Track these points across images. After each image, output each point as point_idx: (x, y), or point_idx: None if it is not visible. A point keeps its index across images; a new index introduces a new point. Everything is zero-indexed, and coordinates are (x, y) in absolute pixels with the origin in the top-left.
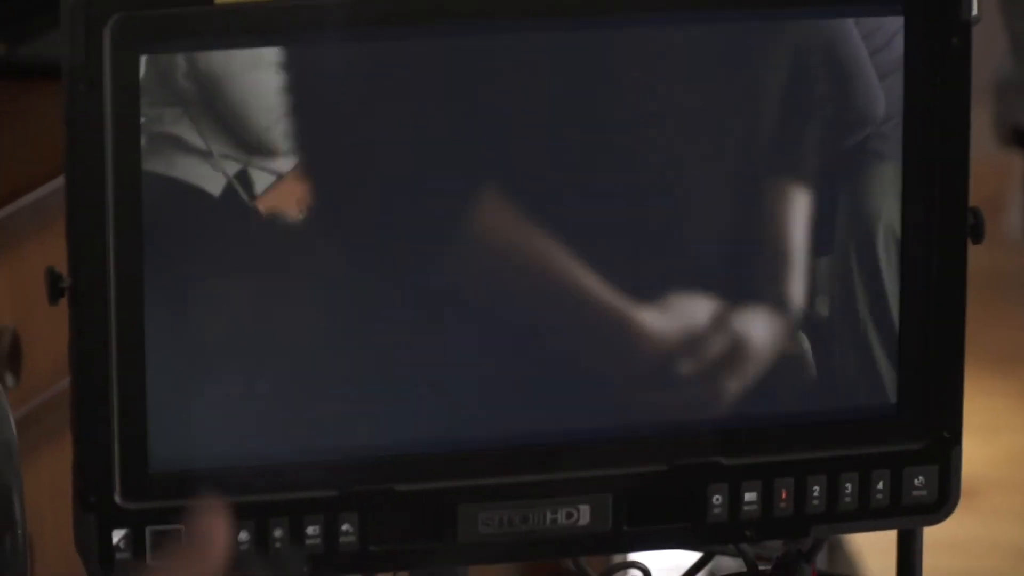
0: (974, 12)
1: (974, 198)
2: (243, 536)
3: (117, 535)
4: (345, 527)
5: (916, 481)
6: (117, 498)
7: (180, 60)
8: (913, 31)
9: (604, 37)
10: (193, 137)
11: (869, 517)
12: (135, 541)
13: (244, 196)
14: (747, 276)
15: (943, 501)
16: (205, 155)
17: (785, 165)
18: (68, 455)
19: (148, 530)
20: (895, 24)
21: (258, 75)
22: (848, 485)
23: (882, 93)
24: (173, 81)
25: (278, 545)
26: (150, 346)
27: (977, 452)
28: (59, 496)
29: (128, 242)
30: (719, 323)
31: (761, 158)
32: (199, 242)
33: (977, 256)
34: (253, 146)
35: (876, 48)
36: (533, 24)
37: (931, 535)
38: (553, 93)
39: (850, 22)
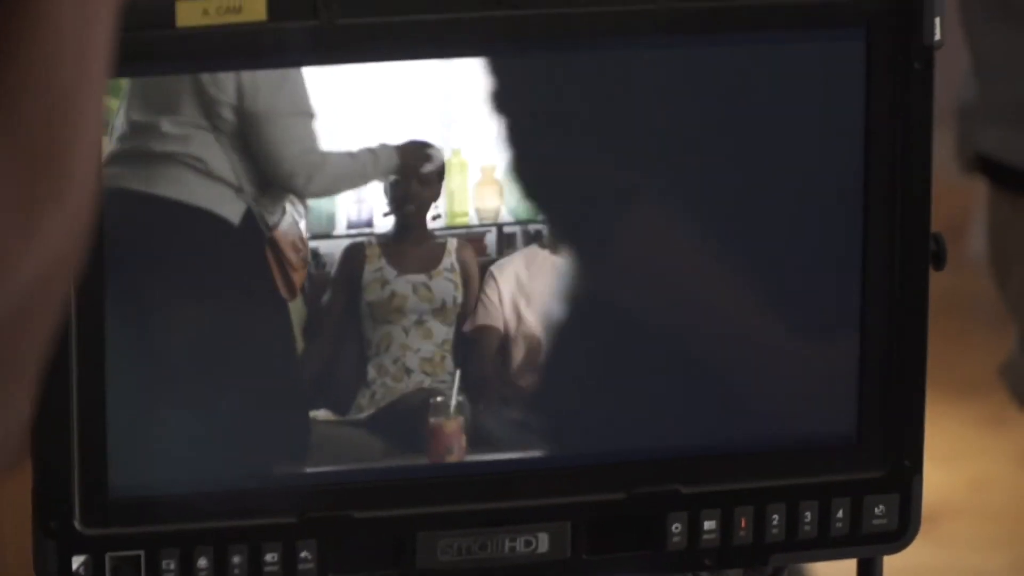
0: (937, 37)
1: (936, 223)
2: (202, 563)
3: (77, 561)
4: (304, 554)
5: (876, 510)
6: (77, 524)
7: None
8: (875, 56)
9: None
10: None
11: (829, 546)
12: (95, 567)
13: (261, 226)
14: (707, 305)
15: (903, 530)
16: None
17: (744, 194)
18: (29, 480)
19: (108, 556)
20: (855, 49)
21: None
22: (808, 514)
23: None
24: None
25: (236, 572)
26: (110, 372)
27: (939, 479)
28: (21, 522)
29: (89, 268)
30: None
31: (720, 186)
32: (161, 269)
33: (940, 281)
34: (273, 183)
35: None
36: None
37: (891, 563)
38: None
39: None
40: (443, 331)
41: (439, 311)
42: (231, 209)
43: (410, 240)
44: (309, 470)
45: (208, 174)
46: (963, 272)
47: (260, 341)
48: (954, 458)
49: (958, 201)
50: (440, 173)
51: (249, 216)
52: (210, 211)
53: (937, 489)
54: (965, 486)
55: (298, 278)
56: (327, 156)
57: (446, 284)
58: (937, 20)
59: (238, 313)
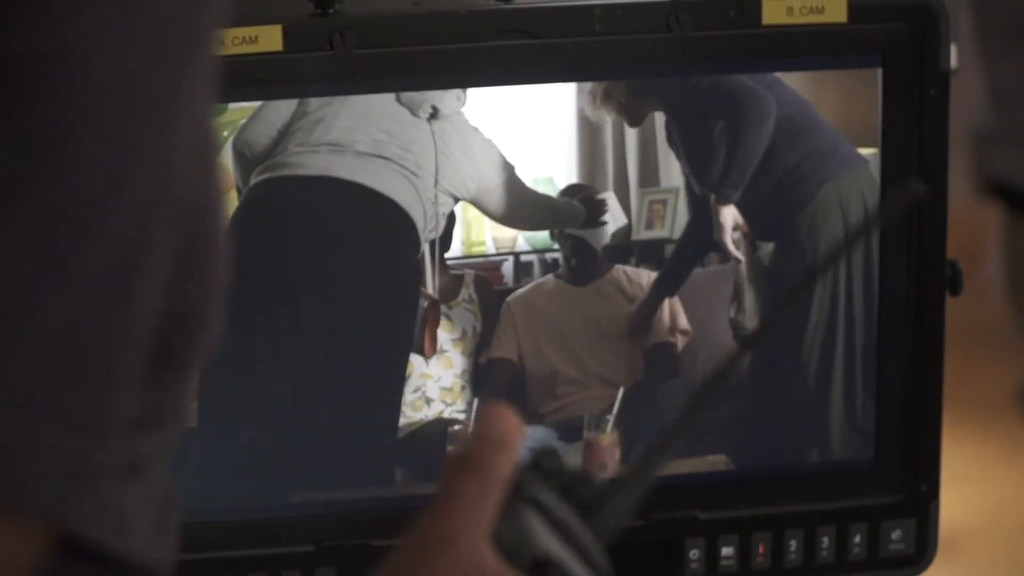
0: (953, 64)
1: (952, 249)
2: None
3: None
4: None
5: (893, 535)
6: None
7: None
8: (892, 82)
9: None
10: None
11: (847, 571)
12: None
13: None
14: (724, 332)
15: (921, 554)
16: None
17: (762, 220)
18: None
19: None
20: (873, 76)
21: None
22: (825, 539)
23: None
24: None
25: None
26: None
27: (956, 504)
28: None
29: None
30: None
31: (740, 207)
32: None
33: (956, 308)
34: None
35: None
36: None
37: None
38: None
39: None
40: (463, 361)
41: (459, 340)
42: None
43: (432, 268)
44: (327, 498)
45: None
46: (979, 298)
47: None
48: (973, 483)
49: (974, 227)
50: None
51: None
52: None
53: (955, 514)
54: (983, 511)
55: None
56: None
57: (466, 314)
58: (953, 47)
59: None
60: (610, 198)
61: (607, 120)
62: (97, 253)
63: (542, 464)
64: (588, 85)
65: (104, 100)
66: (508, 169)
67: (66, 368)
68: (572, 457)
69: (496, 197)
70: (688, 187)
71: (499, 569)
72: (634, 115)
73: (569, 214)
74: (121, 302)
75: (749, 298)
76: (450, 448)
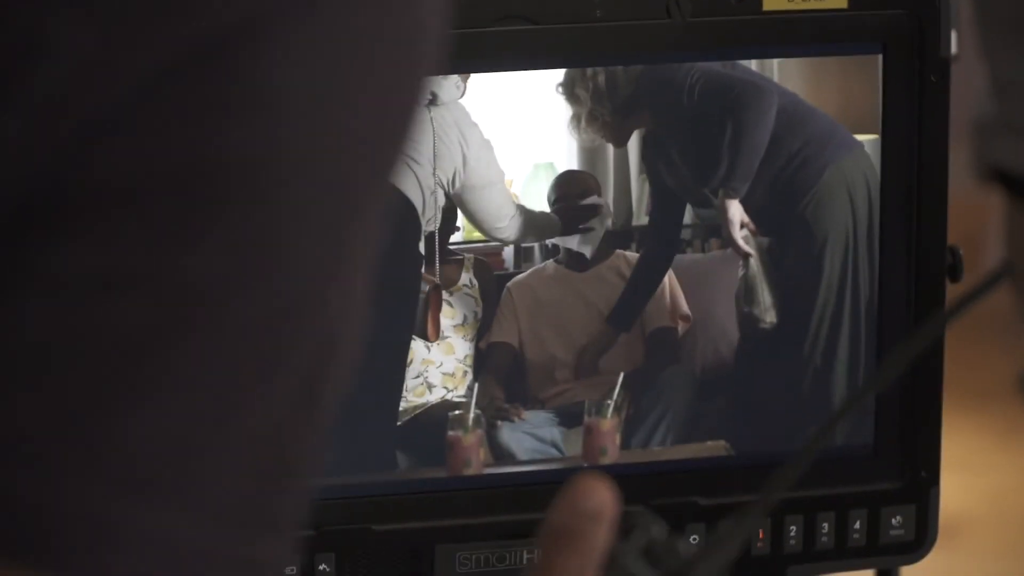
0: (953, 50)
1: (953, 236)
2: None
3: None
4: (322, 567)
5: (893, 521)
6: None
7: None
8: (892, 69)
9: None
10: None
11: (846, 557)
12: None
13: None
14: (726, 318)
15: (921, 540)
16: None
17: (768, 210)
18: None
19: None
20: (873, 62)
21: None
22: (825, 525)
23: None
24: None
25: None
26: None
27: (956, 490)
28: None
29: None
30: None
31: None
32: None
33: (957, 293)
34: None
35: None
36: None
37: (909, 574)
38: None
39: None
40: (464, 346)
41: (460, 326)
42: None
43: (427, 256)
44: (328, 483)
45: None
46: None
47: None
48: (972, 469)
49: (975, 213)
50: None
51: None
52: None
53: (955, 500)
54: (983, 497)
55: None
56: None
57: (467, 299)
58: (953, 34)
59: None
60: (598, 200)
61: (595, 143)
62: (300, 358)
63: (631, 533)
64: (571, 110)
65: (314, 201)
66: (498, 174)
67: (259, 473)
68: (573, 446)
69: (479, 198)
70: (656, 185)
71: None
72: (619, 135)
73: (547, 227)
74: (310, 403)
75: (761, 291)
76: (450, 432)
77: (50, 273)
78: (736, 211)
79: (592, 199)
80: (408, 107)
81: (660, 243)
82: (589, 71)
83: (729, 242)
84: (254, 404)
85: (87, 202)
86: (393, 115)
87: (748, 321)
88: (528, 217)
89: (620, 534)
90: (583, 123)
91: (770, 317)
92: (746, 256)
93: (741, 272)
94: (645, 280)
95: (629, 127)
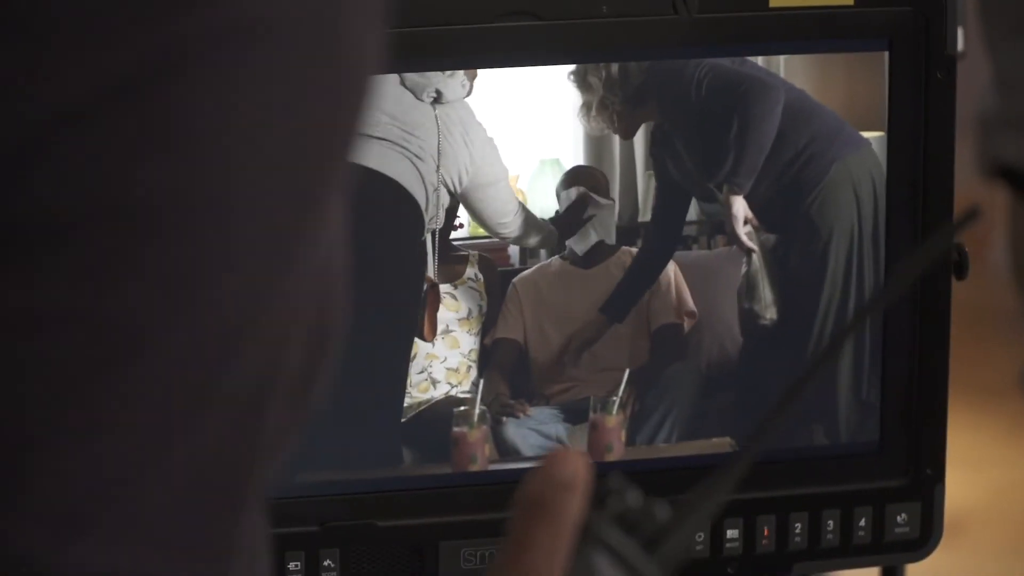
0: (959, 47)
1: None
2: None
3: None
4: (327, 562)
5: (899, 518)
6: None
7: None
8: (898, 65)
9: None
10: None
11: (852, 554)
12: None
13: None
14: (731, 315)
15: (926, 538)
16: None
17: (772, 206)
18: None
19: None
20: (879, 59)
21: None
22: (830, 522)
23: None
24: None
25: None
26: None
27: (961, 487)
28: None
29: None
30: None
31: (750, 192)
32: None
33: (962, 291)
34: None
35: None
36: None
37: (914, 572)
38: None
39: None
40: (469, 340)
41: (465, 320)
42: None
43: (432, 252)
44: (332, 479)
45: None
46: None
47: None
48: (977, 466)
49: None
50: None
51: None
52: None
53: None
54: (988, 494)
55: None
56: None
57: (471, 292)
58: (960, 30)
59: None
60: (598, 207)
61: (603, 134)
62: (234, 385)
63: (606, 501)
64: (581, 99)
65: (237, 232)
66: (502, 173)
67: (198, 502)
68: (578, 440)
69: (484, 196)
70: (661, 179)
71: None
72: (628, 126)
73: (546, 238)
74: (253, 426)
75: (764, 288)
76: (455, 429)
77: None
78: (740, 207)
79: (594, 209)
80: (342, 134)
81: (661, 237)
82: None
83: (733, 238)
84: (191, 433)
85: (6, 240)
86: (324, 145)
87: (749, 317)
88: (530, 222)
89: (596, 502)
90: (593, 111)
91: (771, 314)
92: (749, 252)
93: (743, 269)
94: (643, 273)
95: (638, 118)
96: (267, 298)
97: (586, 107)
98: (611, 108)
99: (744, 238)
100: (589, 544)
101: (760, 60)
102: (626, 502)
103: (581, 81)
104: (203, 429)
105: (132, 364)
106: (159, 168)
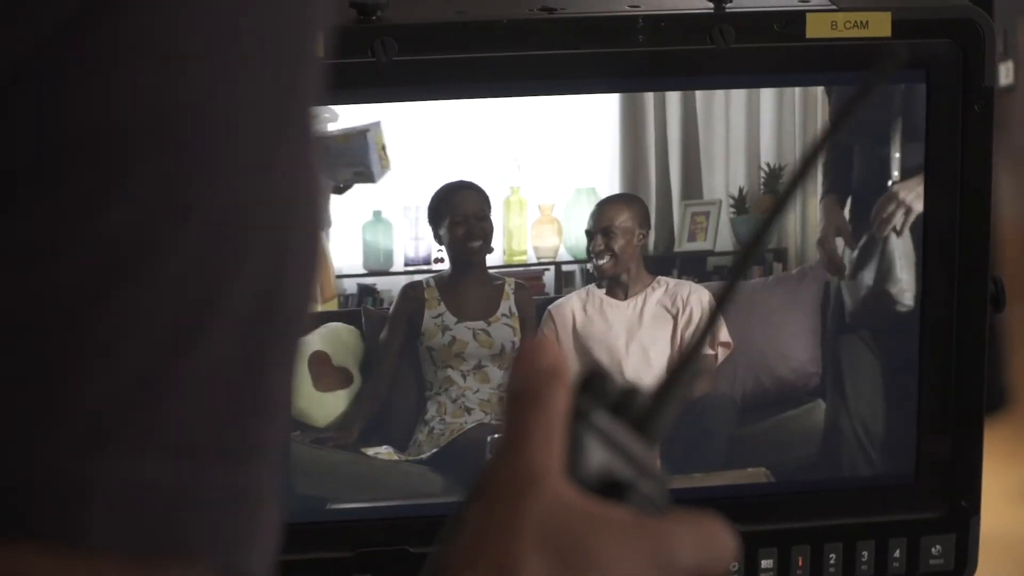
0: (1010, 80)
1: (1008, 263)
2: None
3: None
4: None
5: (933, 550)
6: None
7: None
8: (936, 97)
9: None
10: None
11: None
12: None
13: None
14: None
15: (961, 570)
16: None
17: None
18: None
19: None
20: (918, 91)
21: None
22: (865, 553)
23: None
24: None
25: None
26: None
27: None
28: None
29: None
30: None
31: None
32: None
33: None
34: None
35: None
36: None
37: None
38: None
39: None
40: (500, 375)
41: (497, 356)
42: None
43: (468, 281)
44: (365, 505)
45: None
46: None
47: None
48: None
49: None
50: (489, 209)
51: None
52: None
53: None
54: None
55: None
56: None
57: (505, 330)
58: (1010, 64)
59: None
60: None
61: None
62: (241, 291)
63: (591, 385)
64: None
65: (224, 139)
66: None
67: (220, 404)
68: None
69: None
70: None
71: (581, 501)
72: None
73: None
74: (263, 332)
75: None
76: (490, 457)
77: None
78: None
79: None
80: (315, 22)
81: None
82: None
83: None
84: (202, 341)
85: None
86: (300, 35)
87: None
88: None
89: (579, 390)
90: None
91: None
92: (841, 269)
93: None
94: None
95: None
96: (264, 200)
97: None
98: None
99: (838, 252)
100: (581, 430)
101: (798, 91)
102: (609, 384)
103: None
104: (214, 337)
105: (139, 278)
106: (143, 82)
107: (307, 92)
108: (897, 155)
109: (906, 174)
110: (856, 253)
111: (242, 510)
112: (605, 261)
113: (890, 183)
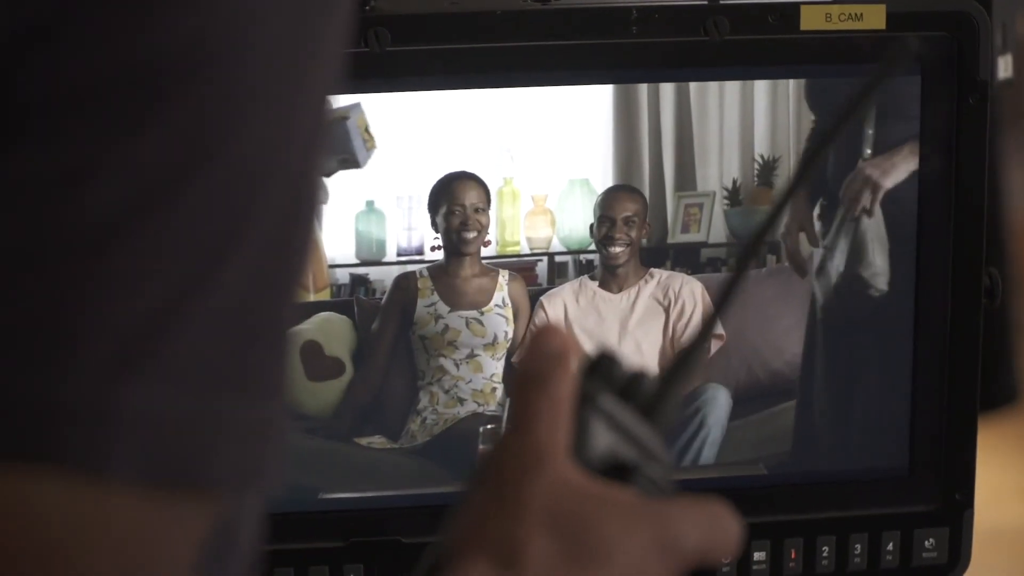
0: (1009, 73)
1: (1020, 258)
2: None
3: None
4: None
5: (927, 543)
6: None
7: None
8: (930, 90)
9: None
10: None
11: None
12: None
13: None
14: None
15: (954, 563)
16: None
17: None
18: None
19: None
20: (913, 83)
21: None
22: (858, 546)
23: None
24: None
25: None
26: None
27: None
28: None
29: None
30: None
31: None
32: None
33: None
34: None
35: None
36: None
37: None
38: None
39: None
40: (493, 365)
41: (490, 345)
42: None
43: (461, 272)
44: (357, 495)
45: None
46: None
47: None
48: None
49: None
50: (488, 202)
51: None
52: None
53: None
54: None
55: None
56: None
57: (498, 319)
58: (1008, 58)
59: None
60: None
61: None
62: (263, 224)
63: (598, 369)
64: None
65: (253, 76)
66: None
67: (241, 336)
68: None
69: None
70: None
71: (586, 483)
72: None
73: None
74: (281, 264)
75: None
76: (482, 447)
77: (7, 179)
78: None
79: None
80: None
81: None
82: None
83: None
84: (226, 273)
85: (31, 109)
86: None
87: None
88: None
89: (587, 374)
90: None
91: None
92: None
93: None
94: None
95: None
96: (288, 136)
97: None
98: None
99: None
100: (588, 412)
101: (791, 83)
102: (616, 368)
103: None
104: (235, 268)
105: (164, 209)
106: (169, 21)
107: (333, 36)
108: (870, 131)
109: (876, 151)
110: (827, 241)
111: (260, 443)
112: (620, 249)
113: (860, 161)
